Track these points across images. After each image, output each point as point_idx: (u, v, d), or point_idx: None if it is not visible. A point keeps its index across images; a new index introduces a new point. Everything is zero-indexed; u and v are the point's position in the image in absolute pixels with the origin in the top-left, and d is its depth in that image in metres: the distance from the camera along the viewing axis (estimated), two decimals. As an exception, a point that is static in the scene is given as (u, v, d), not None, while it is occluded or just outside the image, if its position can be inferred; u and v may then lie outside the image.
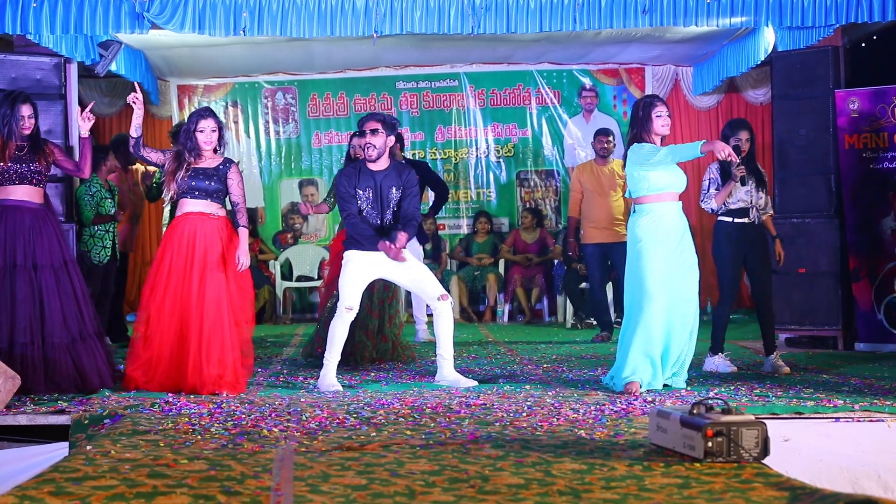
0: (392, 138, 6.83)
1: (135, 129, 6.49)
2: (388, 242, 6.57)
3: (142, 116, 6.55)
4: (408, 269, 6.79)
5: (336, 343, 6.68)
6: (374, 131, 6.68)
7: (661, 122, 6.50)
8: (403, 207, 6.80)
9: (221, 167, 6.58)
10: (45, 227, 6.47)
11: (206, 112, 6.66)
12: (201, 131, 6.50)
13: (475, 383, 6.69)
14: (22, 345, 6.23)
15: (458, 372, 6.86)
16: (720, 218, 7.40)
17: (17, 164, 6.43)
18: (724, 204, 7.31)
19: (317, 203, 8.85)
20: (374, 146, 6.70)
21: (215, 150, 6.59)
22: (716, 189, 7.32)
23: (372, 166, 6.78)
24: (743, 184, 7.25)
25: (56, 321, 6.34)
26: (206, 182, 6.51)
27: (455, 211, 13.02)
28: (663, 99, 6.73)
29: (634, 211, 6.57)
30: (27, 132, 6.51)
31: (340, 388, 6.51)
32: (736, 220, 7.34)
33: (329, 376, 6.61)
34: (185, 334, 6.39)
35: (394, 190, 6.77)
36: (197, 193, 6.51)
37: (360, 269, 6.74)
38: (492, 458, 4.26)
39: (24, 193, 6.46)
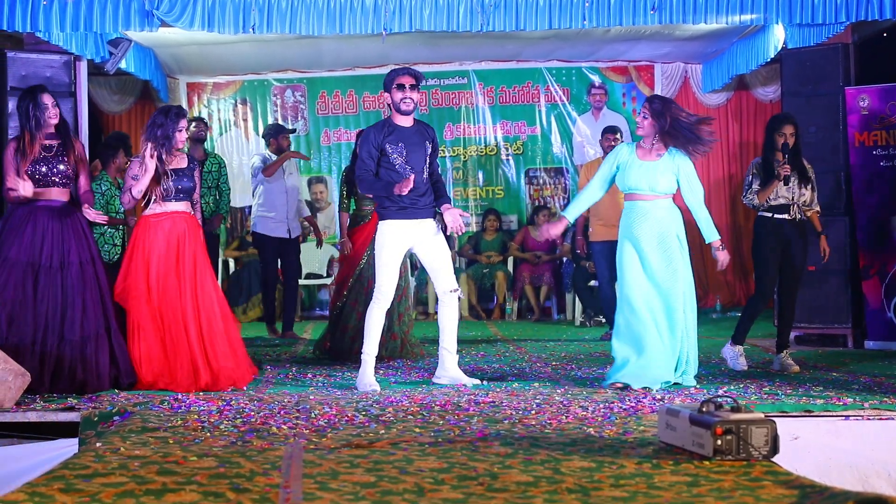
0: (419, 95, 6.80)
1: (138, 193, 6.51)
2: (402, 184, 6.41)
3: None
4: (435, 249, 6.71)
5: (373, 333, 6.58)
6: (413, 86, 6.62)
7: (637, 119, 6.69)
8: (432, 171, 6.74)
9: (192, 164, 6.69)
10: (74, 225, 6.48)
11: (184, 111, 6.73)
12: (180, 130, 6.55)
13: (477, 381, 6.66)
14: (31, 344, 6.22)
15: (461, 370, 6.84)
16: (760, 213, 7.41)
17: (46, 165, 6.40)
18: (766, 200, 7.31)
19: (337, 215, 8.80)
20: (413, 101, 6.62)
21: None
22: (759, 184, 7.30)
23: (402, 122, 6.66)
24: (786, 182, 7.25)
25: (76, 317, 6.35)
26: (188, 182, 6.61)
27: (464, 209, 13.00)
28: (652, 100, 6.70)
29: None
30: (54, 121, 6.48)
31: (378, 388, 6.40)
32: (776, 217, 7.34)
33: (368, 375, 6.51)
34: (189, 334, 6.46)
35: (427, 143, 6.69)
36: (182, 196, 6.57)
37: (396, 243, 6.61)
38: (501, 455, 4.25)
39: (53, 194, 6.47)
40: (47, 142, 6.46)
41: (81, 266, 6.42)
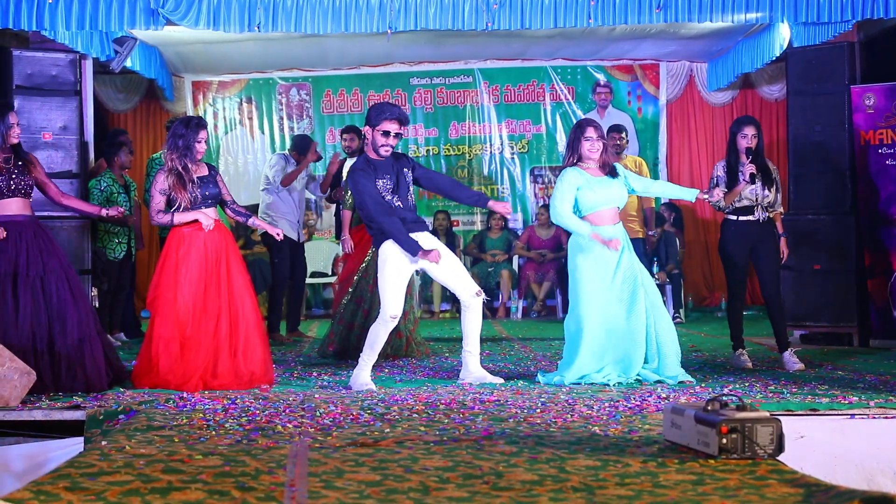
0: None
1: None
2: (428, 252, 6.47)
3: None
4: (445, 262, 6.65)
5: (376, 346, 6.55)
6: (397, 134, 6.59)
7: (587, 145, 6.66)
8: (444, 180, 7.17)
9: (212, 172, 6.78)
10: (44, 236, 6.49)
11: (204, 122, 6.79)
12: (200, 142, 6.59)
13: (501, 380, 6.64)
14: (24, 351, 6.21)
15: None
16: (726, 216, 7.44)
17: (9, 176, 6.37)
18: (731, 202, 7.32)
19: (341, 214, 8.75)
20: (392, 147, 6.62)
21: None
22: (725, 186, 7.31)
23: (379, 160, 6.62)
24: (752, 181, 7.24)
25: (67, 322, 6.35)
26: (213, 188, 6.69)
27: (469, 207, 13.01)
28: (596, 123, 6.76)
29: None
30: (16, 141, 6.46)
31: (374, 388, 6.38)
32: (740, 219, 7.36)
33: (363, 375, 6.50)
34: (219, 340, 6.52)
35: (406, 171, 6.70)
36: (210, 202, 6.65)
37: (399, 266, 6.52)
38: (506, 454, 4.25)
39: (19, 207, 6.42)
40: (6, 154, 6.43)
41: (64, 271, 6.43)
